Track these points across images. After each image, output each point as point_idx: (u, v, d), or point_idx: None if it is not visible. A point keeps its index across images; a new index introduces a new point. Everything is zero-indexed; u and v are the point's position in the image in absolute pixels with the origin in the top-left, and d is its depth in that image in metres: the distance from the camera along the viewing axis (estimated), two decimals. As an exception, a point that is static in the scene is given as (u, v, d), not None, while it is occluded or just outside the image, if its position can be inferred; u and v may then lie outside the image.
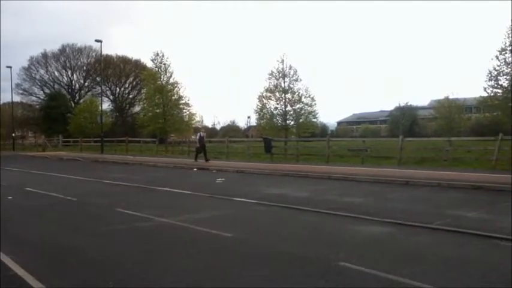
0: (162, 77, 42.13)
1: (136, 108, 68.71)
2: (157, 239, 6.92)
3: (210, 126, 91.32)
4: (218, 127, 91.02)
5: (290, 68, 36.65)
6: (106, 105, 67.02)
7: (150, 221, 8.18)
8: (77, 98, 69.76)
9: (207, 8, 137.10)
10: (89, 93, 70.04)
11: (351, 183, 14.12)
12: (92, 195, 12.13)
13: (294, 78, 36.63)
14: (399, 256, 5.75)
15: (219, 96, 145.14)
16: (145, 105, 45.66)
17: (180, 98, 42.45)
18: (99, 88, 58.37)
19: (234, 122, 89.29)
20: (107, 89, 71.30)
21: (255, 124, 40.44)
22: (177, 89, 42.39)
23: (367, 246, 6.25)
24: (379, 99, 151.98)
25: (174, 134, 45.78)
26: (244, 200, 10.58)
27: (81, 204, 10.69)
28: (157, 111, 42.24)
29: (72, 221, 8.66)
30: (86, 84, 71.91)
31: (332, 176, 15.39)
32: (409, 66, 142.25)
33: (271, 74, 36.98)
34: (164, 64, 42.18)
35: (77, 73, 70.94)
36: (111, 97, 73.01)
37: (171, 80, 42.28)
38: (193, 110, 44.71)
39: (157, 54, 42.33)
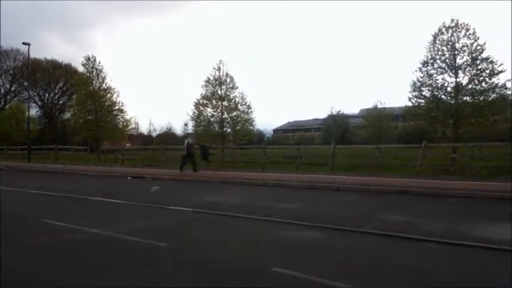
0: (94, 82, 40.70)
1: (67, 115, 65.72)
2: (87, 250, 6.69)
3: (145, 133, 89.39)
4: (154, 134, 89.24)
5: (227, 75, 36.88)
6: (34, 111, 63.89)
7: (81, 232, 7.88)
8: (2, 103, 65.72)
9: (142, 10, 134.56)
10: (15, 98, 66.26)
11: (286, 189, 14.45)
12: (17, 206, 11.45)
13: (230, 85, 36.90)
14: (330, 260, 5.96)
15: (155, 102, 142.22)
16: (76, 111, 43.74)
17: (114, 104, 41.17)
18: (27, 93, 55.33)
19: (170, 129, 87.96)
20: (35, 94, 67.80)
21: (192, 131, 40.10)
22: (110, 94, 41.10)
23: (300, 251, 6.43)
24: (313, 108, 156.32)
25: (107, 142, 44.28)
26: (180, 208, 10.48)
27: (4, 216, 10.05)
28: (89, 117, 40.66)
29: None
30: (12, 89, 67.98)
31: (268, 182, 15.66)
32: (341, 75, 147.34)
33: (208, 81, 37.00)
34: (96, 69, 40.80)
35: (3, 77, 66.98)
36: (39, 103, 69.52)
37: (104, 86, 40.95)
38: (128, 116, 43.51)
39: (89, 59, 40.88)
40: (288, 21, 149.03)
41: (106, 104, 40.85)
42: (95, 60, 40.89)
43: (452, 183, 13.45)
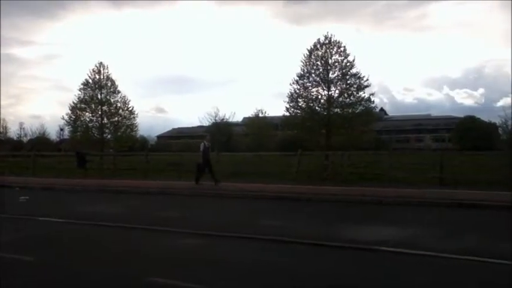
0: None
1: None
2: None
3: (15, 138, 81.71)
4: (25, 139, 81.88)
5: (107, 79, 35.51)
6: None
7: None
8: None
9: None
10: None
11: (168, 197, 14.35)
12: None
13: (111, 89, 35.62)
14: (207, 266, 6.06)
15: (27, 105, 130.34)
16: None
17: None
18: None
19: (44, 134, 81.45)
20: None
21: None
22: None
23: (177, 259, 6.47)
24: (198, 115, 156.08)
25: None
26: (51, 219, 9.83)
27: None
28: None
29: None
30: None
31: (150, 190, 15.40)
32: (225, 84, 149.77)
33: (87, 84, 35.29)
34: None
35: None
36: None
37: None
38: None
39: None
40: (174, 26, 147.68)
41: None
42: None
43: (325, 189, 14.49)
